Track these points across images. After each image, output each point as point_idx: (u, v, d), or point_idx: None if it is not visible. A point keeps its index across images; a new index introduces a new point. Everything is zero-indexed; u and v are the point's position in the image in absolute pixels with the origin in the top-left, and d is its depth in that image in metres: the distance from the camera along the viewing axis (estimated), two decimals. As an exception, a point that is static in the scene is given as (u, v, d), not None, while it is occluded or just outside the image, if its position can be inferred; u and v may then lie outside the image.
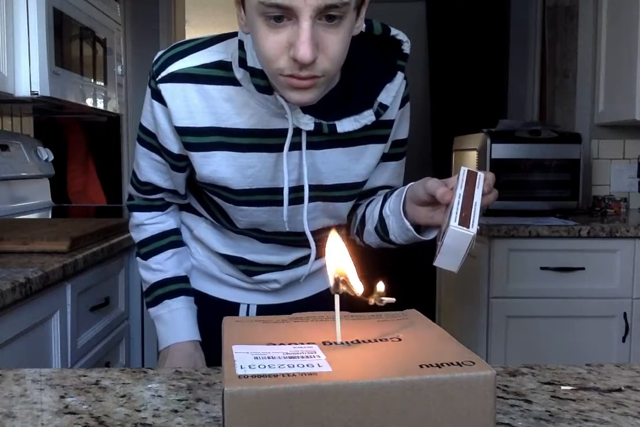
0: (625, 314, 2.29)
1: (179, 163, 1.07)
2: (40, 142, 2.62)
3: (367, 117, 0.98)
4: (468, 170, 0.92)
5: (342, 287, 0.52)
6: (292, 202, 1.04)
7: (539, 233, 2.26)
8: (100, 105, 2.38)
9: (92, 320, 1.64)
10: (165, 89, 0.99)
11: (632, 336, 2.29)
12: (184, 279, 1.18)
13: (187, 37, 4.11)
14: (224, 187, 1.04)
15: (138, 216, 1.18)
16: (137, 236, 1.19)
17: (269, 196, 1.05)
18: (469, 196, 0.85)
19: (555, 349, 2.31)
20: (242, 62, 0.95)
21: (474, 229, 0.79)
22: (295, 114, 0.96)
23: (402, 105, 1.07)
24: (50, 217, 2.34)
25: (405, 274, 3.40)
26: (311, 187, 1.03)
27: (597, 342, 2.31)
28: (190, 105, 0.98)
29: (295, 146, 1.00)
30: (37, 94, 1.83)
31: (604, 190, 2.89)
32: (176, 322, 1.15)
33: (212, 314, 0.99)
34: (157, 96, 1.00)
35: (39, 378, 0.71)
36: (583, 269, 2.29)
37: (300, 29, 0.81)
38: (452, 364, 0.45)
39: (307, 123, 0.96)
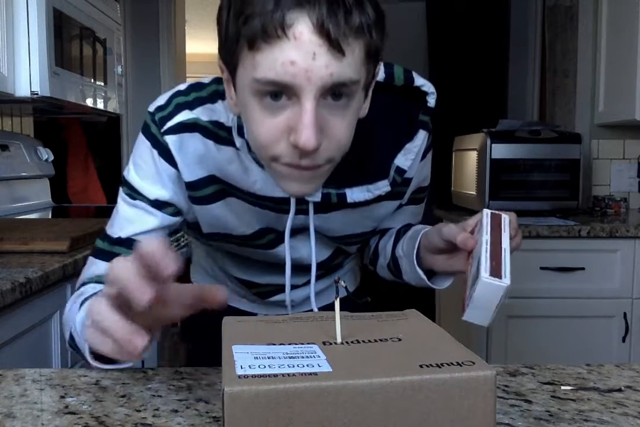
0: (625, 314, 2.29)
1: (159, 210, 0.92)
2: (40, 142, 2.62)
3: (382, 188, 0.89)
4: (491, 213, 0.84)
5: (343, 283, 0.53)
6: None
7: (539, 233, 2.25)
8: (100, 105, 2.37)
9: (92, 320, 1.63)
10: (172, 141, 0.86)
11: (632, 336, 2.29)
12: None
13: (187, 37, 4.14)
14: (225, 234, 0.96)
15: None
16: None
17: (270, 238, 0.98)
18: (496, 242, 0.77)
19: (555, 349, 2.31)
20: (240, 131, 0.85)
21: (507, 279, 0.70)
22: None
23: (422, 158, 0.96)
24: (50, 217, 2.34)
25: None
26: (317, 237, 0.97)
27: (597, 342, 2.31)
28: (197, 155, 0.87)
29: (300, 211, 0.91)
30: (37, 94, 1.83)
31: (604, 190, 2.89)
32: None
33: None
34: (162, 150, 0.88)
35: (39, 378, 0.70)
36: (583, 269, 2.29)
37: (303, 110, 0.69)
38: (452, 364, 0.45)
39: (314, 194, 0.86)
